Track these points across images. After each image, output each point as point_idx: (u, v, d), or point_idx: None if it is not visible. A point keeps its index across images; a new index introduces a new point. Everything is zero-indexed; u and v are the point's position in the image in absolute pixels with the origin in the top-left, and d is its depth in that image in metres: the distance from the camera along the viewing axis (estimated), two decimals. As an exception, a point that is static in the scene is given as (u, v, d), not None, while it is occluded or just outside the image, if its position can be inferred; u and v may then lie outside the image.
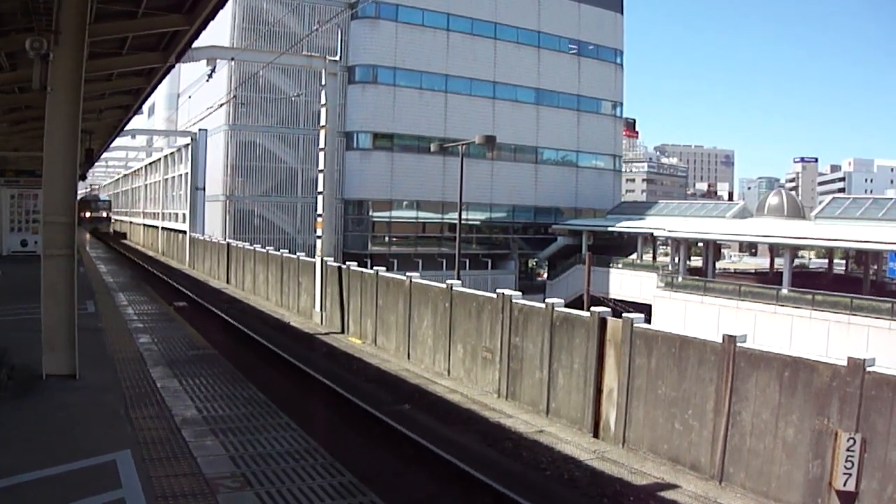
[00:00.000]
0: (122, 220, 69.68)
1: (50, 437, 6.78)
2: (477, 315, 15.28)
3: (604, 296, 41.38)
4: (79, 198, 11.00)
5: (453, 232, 39.03)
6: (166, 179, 47.80)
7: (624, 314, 11.85)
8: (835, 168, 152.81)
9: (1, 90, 14.82)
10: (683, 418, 10.56)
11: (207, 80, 27.54)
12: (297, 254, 26.42)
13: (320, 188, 23.63)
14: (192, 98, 43.69)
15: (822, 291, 33.83)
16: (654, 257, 52.39)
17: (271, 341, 17.37)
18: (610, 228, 49.86)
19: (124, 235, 64.80)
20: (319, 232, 23.60)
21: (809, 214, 44.41)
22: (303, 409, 11.25)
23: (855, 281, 42.47)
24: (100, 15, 9.96)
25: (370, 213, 50.36)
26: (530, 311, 13.77)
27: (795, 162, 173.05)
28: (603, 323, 12.02)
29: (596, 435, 11.94)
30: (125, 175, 68.92)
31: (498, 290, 14.87)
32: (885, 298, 31.79)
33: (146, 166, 56.64)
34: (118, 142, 40.84)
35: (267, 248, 29.05)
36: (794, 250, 40.96)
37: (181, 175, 43.19)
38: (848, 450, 8.37)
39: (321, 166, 23.51)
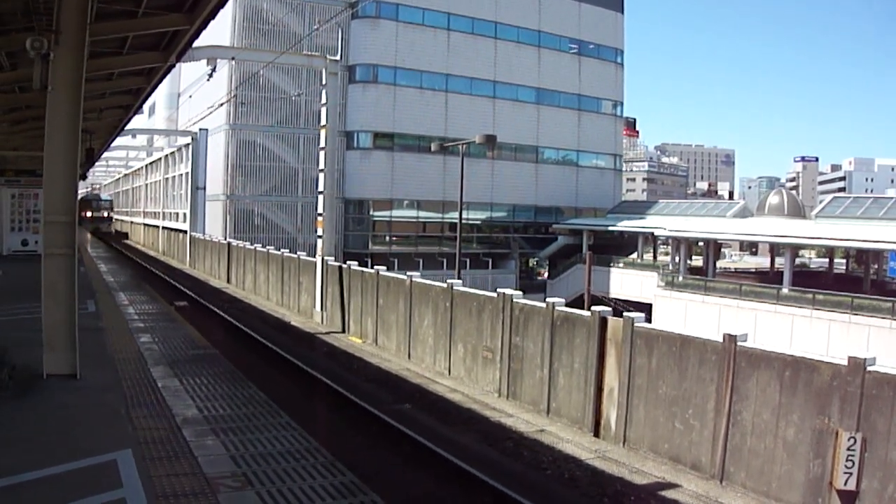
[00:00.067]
0: (122, 220, 69.65)
1: (50, 437, 6.78)
2: (477, 314, 15.28)
3: (604, 295, 41.37)
4: (80, 197, 11.00)
5: (454, 231, 39.01)
6: (167, 179, 47.80)
7: (624, 313, 11.84)
8: (835, 167, 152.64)
9: (1, 90, 14.83)
10: (684, 418, 10.56)
11: (208, 80, 27.56)
12: (298, 253, 26.42)
13: (321, 188, 23.64)
14: (193, 97, 43.71)
15: (822, 291, 33.83)
16: (655, 257, 52.40)
17: (272, 341, 17.38)
18: (610, 228, 49.86)
19: (126, 235, 64.66)
20: (320, 231, 23.60)
21: (810, 214, 44.40)
22: (303, 408, 11.24)
23: (855, 280, 42.49)
24: (100, 14, 9.96)
25: (371, 213, 50.39)
26: (531, 311, 13.77)
27: (796, 161, 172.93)
28: (603, 322, 12.01)
29: (597, 434, 11.93)
30: (125, 175, 68.93)
31: (499, 290, 14.87)
32: (885, 298, 31.77)
33: (146, 166, 56.65)
34: (119, 141, 40.83)
35: (267, 247, 29.05)
36: (795, 249, 40.95)
37: (182, 174, 43.19)
38: (849, 449, 8.37)
39: (322, 166, 23.51)
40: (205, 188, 40.94)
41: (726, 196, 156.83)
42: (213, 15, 11.02)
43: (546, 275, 55.22)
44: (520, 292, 14.84)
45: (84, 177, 40.57)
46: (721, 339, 10.08)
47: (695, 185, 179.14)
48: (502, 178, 53.07)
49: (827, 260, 53.51)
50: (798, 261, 49.01)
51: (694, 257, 53.44)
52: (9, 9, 9.90)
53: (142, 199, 59.09)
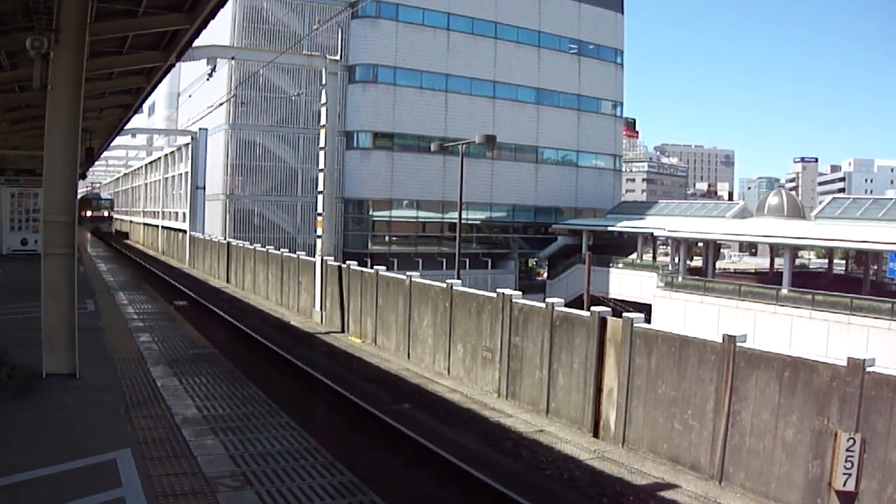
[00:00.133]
0: (122, 219, 69.59)
1: (50, 437, 6.78)
2: (477, 314, 15.28)
3: (604, 295, 41.40)
4: (80, 196, 10.99)
5: (453, 231, 39.04)
6: (166, 178, 47.78)
7: (624, 314, 11.84)
8: (835, 168, 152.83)
9: (1, 89, 14.81)
10: (683, 418, 10.56)
11: (208, 80, 27.53)
12: (297, 253, 26.42)
13: (320, 187, 23.63)
14: (193, 97, 43.70)
15: (822, 291, 33.83)
16: (654, 257, 52.38)
17: (271, 340, 17.38)
18: (610, 228, 49.87)
19: (126, 235, 64.53)
20: (319, 231, 23.59)
21: (809, 214, 44.42)
22: (303, 408, 11.24)
23: (855, 281, 42.47)
24: (100, 14, 9.96)
25: (370, 213, 50.38)
26: (530, 311, 13.77)
27: (795, 162, 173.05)
28: (603, 322, 12.02)
29: (596, 434, 11.94)
30: (125, 174, 68.88)
31: (498, 290, 14.87)
32: (884, 298, 31.81)
33: (146, 165, 56.62)
34: (118, 140, 40.82)
35: (267, 247, 29.06)
36: (794, 250, 40.96)
37: (181, 174, 43.17)
38: (848, 450, 8.37)
39: (321, 165, 23.51)
40: (204, 188, 40.91)
41: (726, 197, 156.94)
42: (213, 14, 11.01)
43: (545, 275, 55.23)
44: (519, 292, 14.84)
45: (84, 176, 40.58)
46: (720, 340, 10.09)
47: (694, 185, 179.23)
48: (502, 179, 53.08)
49: (826, 261, 53.52)
50: (797, 261, 49.00)
51: (693, 258, 53.48)
52: (9, 8, 9.90)
53: (141, 199, 59.05)
